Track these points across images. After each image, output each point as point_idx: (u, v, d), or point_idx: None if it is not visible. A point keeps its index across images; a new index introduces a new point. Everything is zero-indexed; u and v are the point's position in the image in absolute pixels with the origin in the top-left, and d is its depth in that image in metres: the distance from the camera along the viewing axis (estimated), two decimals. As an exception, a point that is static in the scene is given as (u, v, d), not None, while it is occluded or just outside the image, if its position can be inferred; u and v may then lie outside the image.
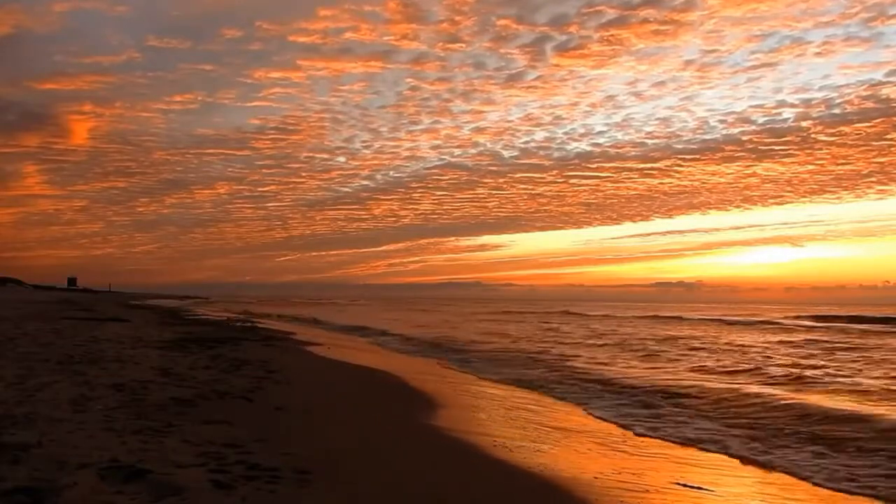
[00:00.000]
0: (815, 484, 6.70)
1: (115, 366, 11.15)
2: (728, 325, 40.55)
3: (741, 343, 25.12)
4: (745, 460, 7.62)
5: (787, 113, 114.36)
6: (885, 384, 13.50)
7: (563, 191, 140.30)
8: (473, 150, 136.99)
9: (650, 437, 8.78)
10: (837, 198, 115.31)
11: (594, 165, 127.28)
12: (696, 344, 24.56)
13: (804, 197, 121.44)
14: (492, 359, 18.86)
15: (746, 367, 16.90)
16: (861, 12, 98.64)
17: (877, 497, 6.25)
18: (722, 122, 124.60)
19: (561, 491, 5.75)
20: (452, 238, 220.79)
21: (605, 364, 17.56)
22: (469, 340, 25.46)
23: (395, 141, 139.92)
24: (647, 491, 5.95)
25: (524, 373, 15.56)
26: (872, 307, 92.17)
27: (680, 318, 48.58)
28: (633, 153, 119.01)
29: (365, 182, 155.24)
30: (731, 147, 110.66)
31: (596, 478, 6.26)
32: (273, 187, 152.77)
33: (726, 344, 24.67)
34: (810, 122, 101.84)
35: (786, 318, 49.13)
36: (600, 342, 25.63)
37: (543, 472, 6.33)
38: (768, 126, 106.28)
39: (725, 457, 7.81)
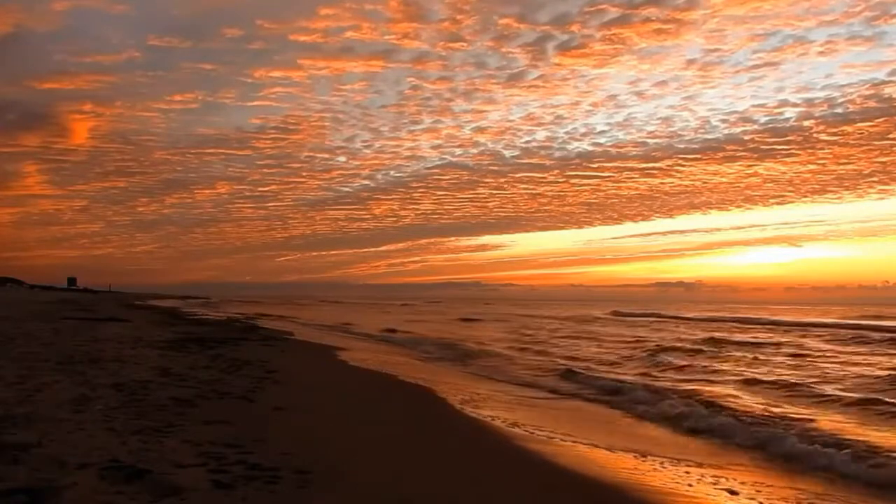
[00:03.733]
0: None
1: (115, 366, 11.15)
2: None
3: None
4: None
5: (789, 112, 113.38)
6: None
7: (564, 190, 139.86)
8: (474, 150, 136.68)
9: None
10: (839, 198, 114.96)
11: (595, 165, 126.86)
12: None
13: (805, 197, 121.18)
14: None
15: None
16: (864, 11, 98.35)
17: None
18: (724, 121, 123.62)
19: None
20: (453, 238, 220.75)
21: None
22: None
23: (396, 140, 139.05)
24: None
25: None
26: (871, 307, 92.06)
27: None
28: (635, 153, 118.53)
29: (365, 182, 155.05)
30: (732, 146, 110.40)
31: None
32: (273, 187, 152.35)
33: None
34: (812, 121, 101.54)
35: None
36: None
37: (557, 465, 6.34)
38: (770, 125, 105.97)
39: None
